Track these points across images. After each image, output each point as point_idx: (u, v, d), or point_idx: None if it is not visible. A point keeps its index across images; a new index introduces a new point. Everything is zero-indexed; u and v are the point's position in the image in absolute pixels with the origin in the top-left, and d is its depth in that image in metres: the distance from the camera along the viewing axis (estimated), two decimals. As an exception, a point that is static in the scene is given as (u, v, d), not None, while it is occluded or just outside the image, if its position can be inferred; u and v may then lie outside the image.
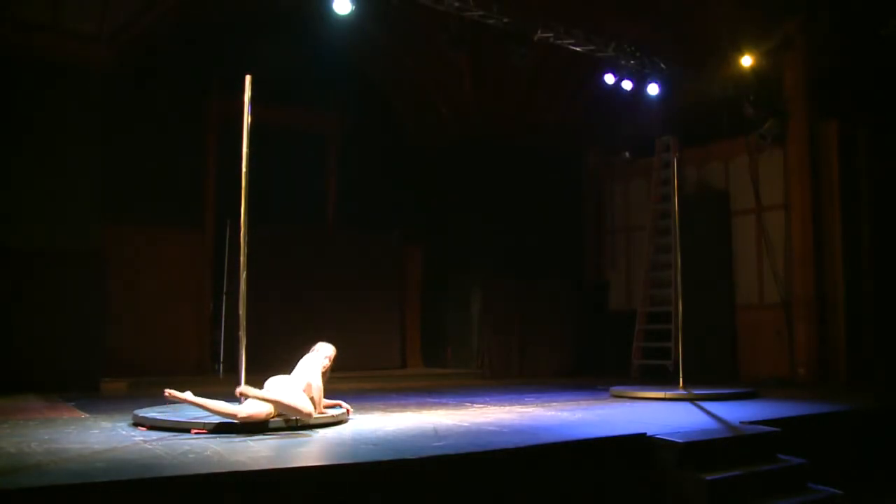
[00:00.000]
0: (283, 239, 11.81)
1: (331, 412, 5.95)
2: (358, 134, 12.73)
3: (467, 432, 5.60)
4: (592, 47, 10.47)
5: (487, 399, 8.30)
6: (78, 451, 4.56)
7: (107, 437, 5.17)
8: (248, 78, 6.07)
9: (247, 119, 6.03)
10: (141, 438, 5.09)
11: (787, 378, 11.02)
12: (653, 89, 11.33)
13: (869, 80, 11.05)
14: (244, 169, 6.03)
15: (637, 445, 5.41)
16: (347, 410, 6.06)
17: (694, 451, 5.36)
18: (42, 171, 8.95)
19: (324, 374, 5.91)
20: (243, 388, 5.51)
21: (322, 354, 6.00)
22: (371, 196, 12.68)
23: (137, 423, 5.66)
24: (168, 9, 9.93)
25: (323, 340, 6.11)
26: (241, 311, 5.91)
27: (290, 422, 5.49)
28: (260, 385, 5.59)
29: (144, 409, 5.97)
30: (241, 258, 6.02)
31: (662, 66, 11.20)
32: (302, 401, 5.53)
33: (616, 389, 9.00)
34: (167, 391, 5.43)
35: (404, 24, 11.53)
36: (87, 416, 6.35)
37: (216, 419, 5.46)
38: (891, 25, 10.30)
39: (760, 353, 11.68)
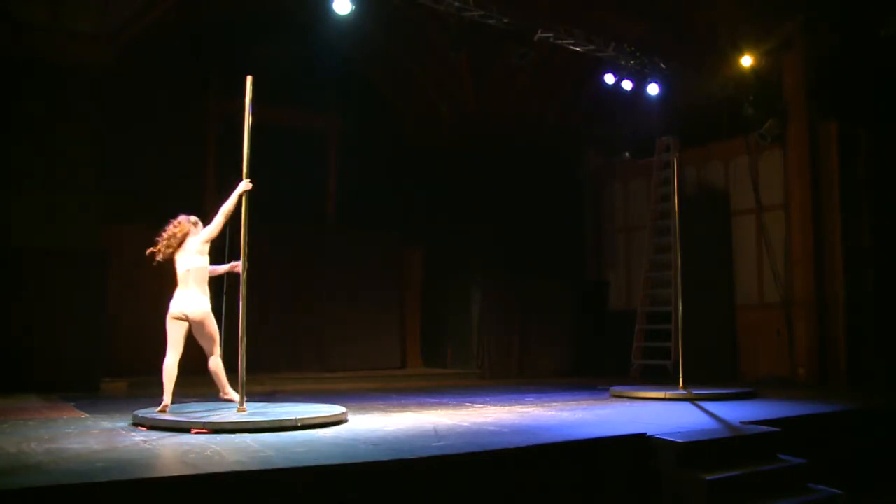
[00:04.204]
0: (284, 239, 11.80)
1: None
2: (358, 134, 12.71)
3: (467, 432, 5.59)
4: (592, 47, 10.48)
5: (487, 399, 8.30)
6: (78, 451, 4.55)
7: (107, 437, 5.17)
8: (248, 78, 6.08)
9: (247, 119, 6.04)
10: (141, 438, 5.09)
11: (787, 378, 11.02)
12: (653, 89, 11.35)
13: (869, 80, 11.04)
14: (244, 169, 6.04)
15: (637, 445, 5.41)
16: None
17: (694, 451, 5.37)
18: (42, 170, 8.93)
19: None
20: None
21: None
22: (371, 196, 12.66)
23: (137, 423, 5.66)
24: (168, 8, 9.93)
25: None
26: (241, 310, 5.92)
27: (290, 422, 5.50)
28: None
29: (144, 409, 5.98)
30: (241, 258, 6.05)
31: (662, 66, 11.22)
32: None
33: (616, 389, 9.00)
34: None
35: (404, 24, 11.53)
36: (87, 416, 6.36)
37: (216, 419, 5.47)
38: (891, 25, 10.30)
39: (760, 353, 11.68)
